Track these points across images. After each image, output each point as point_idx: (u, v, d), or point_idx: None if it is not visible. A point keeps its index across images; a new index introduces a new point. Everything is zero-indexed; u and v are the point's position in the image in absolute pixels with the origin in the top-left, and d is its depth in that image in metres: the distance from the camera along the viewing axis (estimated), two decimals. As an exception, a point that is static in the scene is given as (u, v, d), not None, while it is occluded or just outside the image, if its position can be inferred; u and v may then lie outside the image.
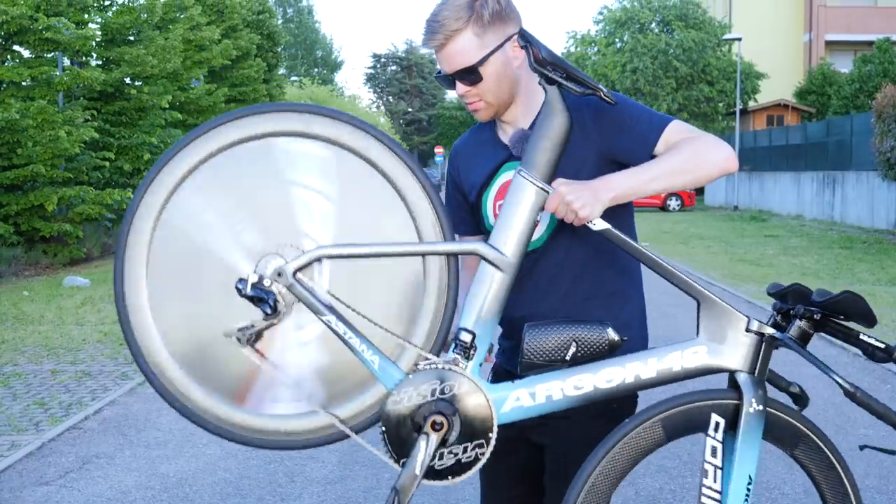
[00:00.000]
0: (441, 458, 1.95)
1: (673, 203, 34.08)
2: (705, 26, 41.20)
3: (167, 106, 18.49)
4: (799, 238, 20.37)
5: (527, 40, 1.98)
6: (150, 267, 2.01)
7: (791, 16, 45.07)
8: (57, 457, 5.60)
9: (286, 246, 1.99)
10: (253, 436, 2.05)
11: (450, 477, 1.97)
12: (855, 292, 1.91)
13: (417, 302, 2.02)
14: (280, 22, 64.10)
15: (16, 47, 15.65)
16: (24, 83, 15.31)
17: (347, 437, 2.02)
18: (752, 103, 40.53)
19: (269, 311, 1.93)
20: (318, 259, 1.97)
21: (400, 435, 1.95)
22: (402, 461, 1.95)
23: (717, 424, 1.97)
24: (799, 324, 1.97)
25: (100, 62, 18.25)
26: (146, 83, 18.48)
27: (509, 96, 2.26)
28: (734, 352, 1.98)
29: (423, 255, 2.00)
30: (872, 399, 1.90)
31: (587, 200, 1.99)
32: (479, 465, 1.98)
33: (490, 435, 1.95)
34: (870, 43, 36.87)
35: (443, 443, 1.94)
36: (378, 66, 75.31)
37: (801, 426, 2.01)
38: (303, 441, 2.05)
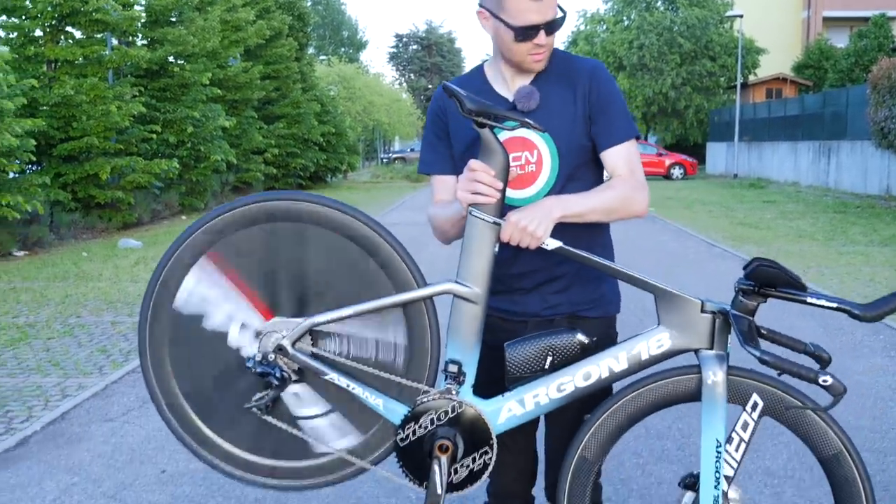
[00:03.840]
0: (455, 472, 2.10)
1: (676, 172, 33.94)
2: (708, 4, 40.74)
3: (207, 83, 18.55)
4: (795, 203, 20.30)
5: (451, 93, 2.04)
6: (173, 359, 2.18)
7: (790, -6, 44.53)
8: (119, 397, 5.76)
9: (283, 321, 2.12)
10: (289, 482, 2.22)
11: (469, 485, 2.13)
12: (767, 261, 1.94)
13: (407, 344, 2.14)
14: (309, 4, 63.87)
15: (69, 28, 15.74)
16: (77, 62, 15.43)
17: (367, 469, 2.18)
18: (752, 77, 40.14)
19: (276, 382, 2.08)
20: (312, 327, 2.10)
21: (415, 462, 2.11)
22: (424, 483, 2.10)
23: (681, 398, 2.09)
24: (741, 299, 2.02)
25: (145, 42, 18.32)
26: (188, 61, 18.55)
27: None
28: (693, 333, 2.06)
29: (402, 304, 2.11)
30: (788, 363, 1.93)
31: (539, 219, 2.08)
32: (490, 468, 2.12)
33: (492, 442, 2.10)
34: (866, 19, 36.37)
35: (453, 460, 2.08)
36: (400, 45, 74.80)
37: (786, 394, 2.06)
38: (331, 479, 2.21)
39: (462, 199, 2.07)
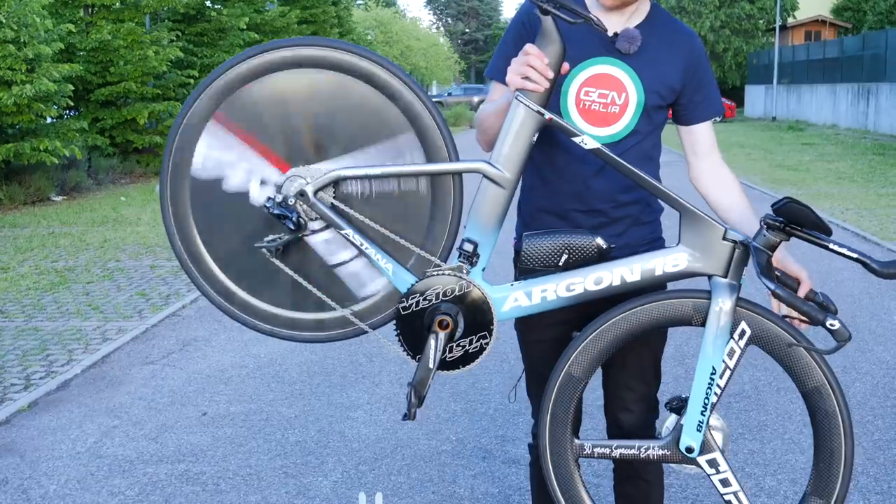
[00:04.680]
0: (451, 350, 2.06)
1: (714, 115, 33.48)
2: (747, -54, 39.99)
3: (245, 27, 18.40)
4: (834, 146, 19.90)
5: None
6: (193, 196, 2.12)
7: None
8: (160, 340, 5.75)
9: (308, 167, 2.06)
10: (282, 328, 2.18)
11: (460, 366, 2.08)
12: (797, 201, 1.89)
13: (428, 214, 2.09)
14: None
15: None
16: (114, 6, 15.30)
17: (366, 332, 2.13)
18: (790, 20, 39.46)
19: (292, 226, 2.02)
20: (337, 180, 2.04)
21: (412, 334, 2.06)
22: (417, 357, 2.06)
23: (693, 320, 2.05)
24: (765, 233, 1.96)
25: (183, -14, 18.19)
26: (225, 6, 18.40)
27: None
28: (710, 258, 2.02)
29: (431, 174, 2.06)
30: (799, 300, 1.91)
31: None
32: (485, 353, 2.08)
33: (492, 328, 2.05)
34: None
35: (451, 338, 2.03)
36: (437, -11, 74.17)
37: (774, 326, 2.02)
38: (329, 335, 2.17)
39: (511, 81, 2.02)
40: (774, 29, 35.48)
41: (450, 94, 53.91)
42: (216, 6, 18.53)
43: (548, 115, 2.00)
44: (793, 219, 1.93)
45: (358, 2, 53.89)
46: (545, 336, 2.39)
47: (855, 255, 1.91)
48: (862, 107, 24.84)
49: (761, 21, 40.09)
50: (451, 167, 2.05)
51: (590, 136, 2.03)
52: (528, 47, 1.99)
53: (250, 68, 2.03)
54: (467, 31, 72.33)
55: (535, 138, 2.04)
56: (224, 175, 2.08)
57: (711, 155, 2.38)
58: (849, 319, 5.91)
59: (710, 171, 2.40)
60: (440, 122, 2.06)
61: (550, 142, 2.28)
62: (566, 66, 2.05)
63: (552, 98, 2.24)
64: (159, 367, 5.19)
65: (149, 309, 6.48)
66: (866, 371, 4.89)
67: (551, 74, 1.99)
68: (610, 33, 2.26)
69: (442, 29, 72.00)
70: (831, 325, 1.89)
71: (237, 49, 18.02)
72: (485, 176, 2.04)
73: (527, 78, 1.98)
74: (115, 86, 14.49)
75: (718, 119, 2.45)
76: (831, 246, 1.91)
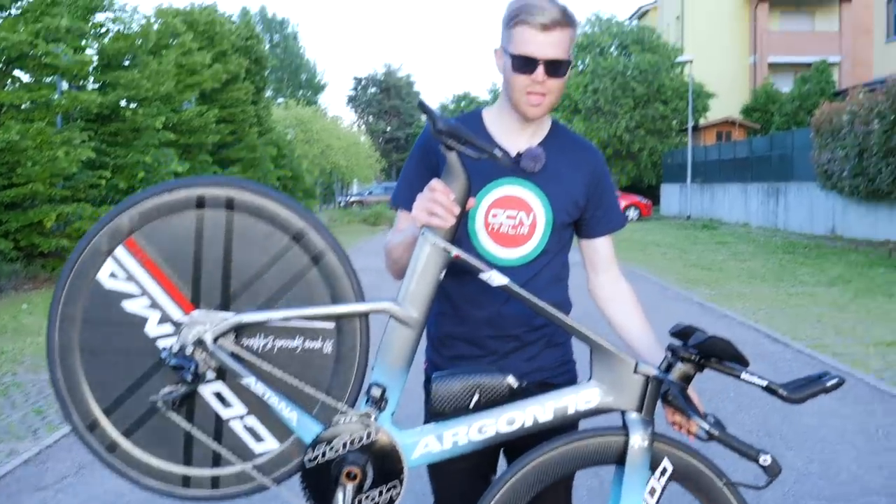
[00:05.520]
0: (360, 503, 1.98)
1: (632, 213, 34.14)
2: (660, 50, 41.47)
3: (161, 127, 18.28)
4: (746, 244, 20.45)
5: (425, 111, 1.96)
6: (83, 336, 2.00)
7: (737, 40, 45.39)
8: (54, 462, 5.47)
9: (209, 312, 1.99)
10: (173, 486, 2.05)
11: None
12: (721, 337, 1.92)
13: (333, 357, 2.04)
14: (267, 47, 63.85)
15: (16, 72, 15.40)
16: (23, 106, 15.05)
17: (268, 487, 2.04)
18: (702, 120, 40.75)
19: (189, 378, 1.92)
20: (238, 325, 1.97)
21: (319, 486, 1.98)
22: None
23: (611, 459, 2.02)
24: (680, 366, 1.98)
25: (97, 85, 18.00)
26: (141, 105, 18.26)
27: (553, 108, 2.30)
28: (623, 393, 2.00)
29: (336, 316, 2.01)
30: (733, 438, 1.94)
31: None
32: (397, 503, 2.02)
33: (402, 476, 1.99)
34: (808, 65, 37.21)
35: (359, 489, 1.96)
36: (359, 88, 75.24)
37: (696, 462, 2.02)
38: (226, 493, 2.06)
39: (417, 218, 2.01)
40: (687, 129, 36.58)
41: (370, 193, 54.32)
42: (132, 106, 18.41)
43: (455, 253, 1.98)
44: (711, 353, 1.95)
45: (279, 100, 54.38)
46: (457, 466, 2.31)
47: (765, 384, 1.95)
48: (772, 205, 25.65)
49: (674, 121, 41.39)
50: (356, 308, 2.00)
51: (498, 271, 2.03)
52: (434, 183, 1.99)
53: (166, 202, 1.97)
54: (388, 129, 73.34)
55: (442, 274, 2.01)
56: (123, 306, 1.98)
57: (610, 269, 2.44)
58: (760, 422, 5.95)
59: (609, 284, 2.43)
60: (345, 262, 2.02)
61: (461, 269, 2.25)
62: (472, 200, 2.05)
63: (461, 225, 2.25)
64: (51, 493, 4.92)
65: (44, 428, 6.19)
66: (779, 478, 4.88)
67: (457, 210, 1.98)
68: (513, 153, 2.28)
69: (363, 127, 72.86)
70: (764, 461, 1.91)
71: (152, 149, 17.87)
72: (392, 316, 2.00)
73: (433, 214, 1.97)
74: (22, 187, 14.07)
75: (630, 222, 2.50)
76: (743, 376, 1.95)
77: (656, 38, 42.41)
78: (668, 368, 2.01)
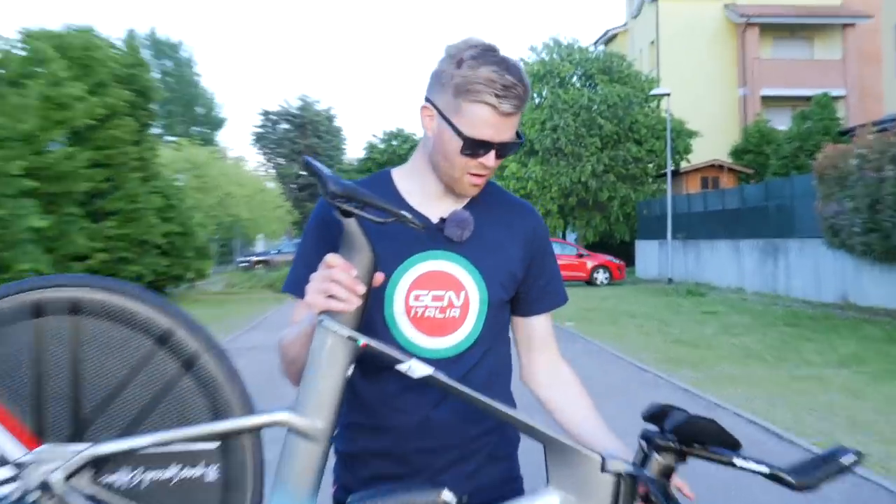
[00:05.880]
0: None
1: (601, 276, 34.46)
2: (631, 80, 42.34)
3: (20, 172, 18.07)
4: (740, 314, 20.73)
5: (312, 172, 1.97)
6: None
7: (724, 69, 46.48)
8: None
9: (55, 447, 1.90)
10: None
11: None
12: (703, 417, 1.91)
13: (219, 487, 1.98)
14: (156, 76, 63.98)
15: None
16: None
17: None
18: (684, 164, 41.39)
19: None
20: (95, 459, 1.89)
21: None
22: None
23: None
24: (658, 457, 1.95)
25: (-61, 123, 17.84)
26: (-5, 145, 18.09)
27: None
28: (590, 498, 1.97)
29: (219, 435, 1.95)
30: None
31: None
32: None
33: None
34: (808, 98, 38.10)
35: None
36: (268, 123, 75.44)
37: None
38: None
39: (312, 303, 1.96)
40: (666, 175, 37.08)
41: (279, 252, 54.23)
42: (-17, 146, 18.22)
43: (363, 341, 1.94)
44: (693, 437, 1.92)
45: (168, 138, 54.23)
46: None
47: (766, 471, 1.91)
48: (770, 267, 26.04)
49: (650, 165, 42.02)
50: (243, 423, 1.94)
51: (419, 360, 1.97)
52: (330, 258, 1.96)
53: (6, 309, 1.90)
54: (303, 174, 73.38)
55: (350, 371, 1.97)
56: None
57: (548, 349, 2.48)
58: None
59: (547, 368, 2.46)
60: (224, 363, 1.97)
61: (374, 366, 2.23)
62: (380, 276, 2.02)
63: (376, 307, 2.23)
64: None
65: None
66: None
67: (362, 289, 1.95)
68: (435, 219, 2.29)
69: (272, 171, 72.88)
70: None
71: (7, 200, 17.64)
72: (290, 429, 1.94)
73: (332, 297, 1.93)
74: None
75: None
76: (737, 463, 1.91)
77: (626, 67, 43.30)
78: (644, 461, 1.96)
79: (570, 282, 34.11)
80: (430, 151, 2.31)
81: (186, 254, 31.51)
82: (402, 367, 1.96)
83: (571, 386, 2.43)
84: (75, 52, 24.87)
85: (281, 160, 74.22)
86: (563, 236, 43.24)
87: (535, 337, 2.46)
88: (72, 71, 23.54)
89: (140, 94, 29.51)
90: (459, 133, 2.19)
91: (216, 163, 48.86)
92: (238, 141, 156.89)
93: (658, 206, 37.51)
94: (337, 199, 1.94)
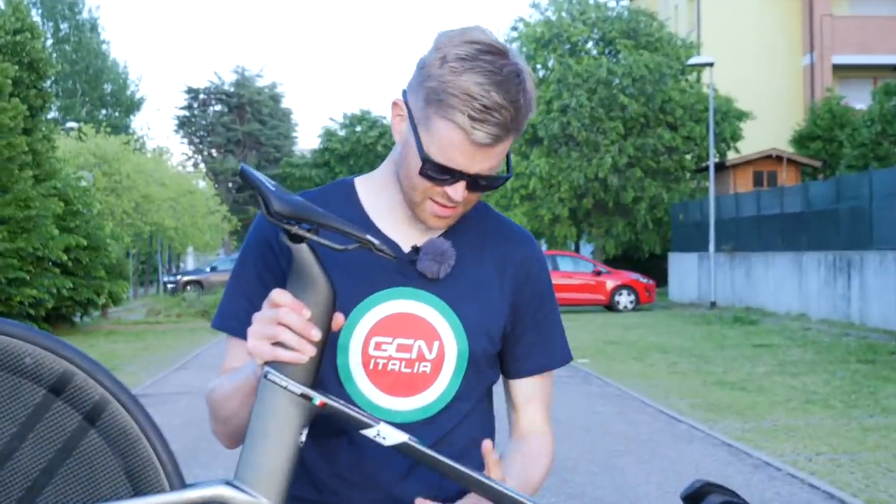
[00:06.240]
0: None
1: (624, 299, 34.42)
2: (663, 46, 42.02)
3: None
4: (801, 348, 20.76)
5: (250, 182, 1.96)
6: None
7: (784, 31, 46.20)
8: None
9: None
10: None
11: None
12: (711, 484, 1.94)
13: None
14: (50, 43, 63.68)
15: None
16: None
17: None
18: (732, 154, 41.25)
19: None
20: None
21: None
22: None
23: None
24: None
25: None
26: None
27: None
28: None
29: None
30: None
31: None
32: None
33: None
34: (894, 68, 37.91)
35: None
36: (195, 105, 75.08)
37: None
38: None
39: (256, 351, 1.94)
40: (708, 169, 36.54)
41: (213, 269, 53.96)
42: None
43: (319, 400, 1.96)
44: None
45: (69, 125, 54.03)
46: None
47: None
48: (840, 287, 26.02)
49: (689, 156, 41.86)
50: (168, 500, 1.96)
51: (388, 422, 2.00)
52: (277, 296, 1.94)
53: None
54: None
55: (303, 436, 1.99)
56: None
57: (528, 414, 2.44)
58: None
59: (519, 434, 2.45)
60: (138, 412, 1.98)
61: (329, 430, 2.26)
62: (339, 318, 2.01)
63: (327, 359, 2.16)
64: None
65: None
66: None
67: (317, 335, 1.94)
68: (406, 247, 2.29)
69: (202, 166, 72.59)
70: None
71: None
72: None
73: (279, 344, 1.93)
74: None
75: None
76: None
77: (657, 29, 43.06)
78: None
79: (585, 306, 34.16)
80: (396, 160, 2.30)
81: (96, 273, 31.35)
82: (369, 433, 1.97)
83: (527, 457, 2.38)
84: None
85: (213, 152, 73.95)
86: (577, 249, 43.28)
87: (518, 399, 2.43)
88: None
89: (29, 67, 29.47)
90: (421, 152, 2.15)
91: (131, 156, 48.64)
92: (159, 127, 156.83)
93: (698, 209, 37.43)
94: (284, 221, 1.94)
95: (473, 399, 2.33)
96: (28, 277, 26.36)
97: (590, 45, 43.19)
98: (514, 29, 44.47)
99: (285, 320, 1.90)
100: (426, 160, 2.15)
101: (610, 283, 34.57)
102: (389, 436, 1.97)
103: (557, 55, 42.27)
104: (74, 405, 1.96)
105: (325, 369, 2.14)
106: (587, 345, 21.96)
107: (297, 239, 1.95)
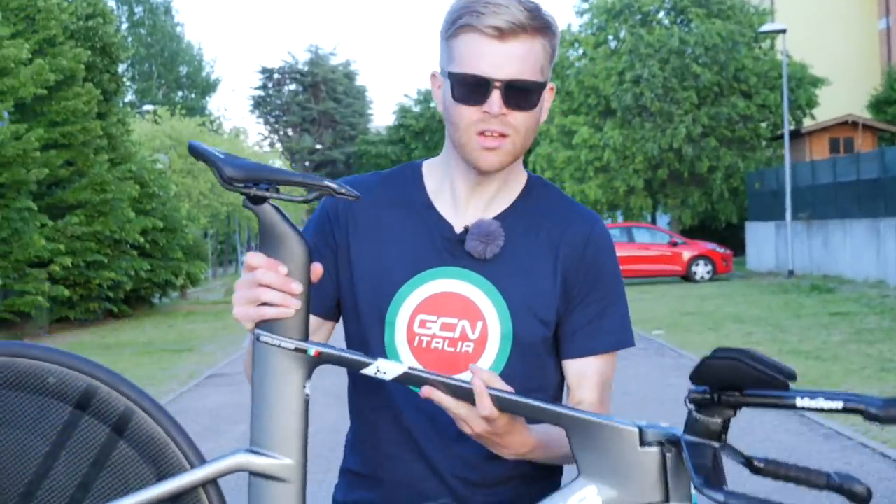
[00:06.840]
0: None
1: (700, 269, 34.20)
2: (735, 14, 41.76)
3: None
4: (878, 316, 20.60)
5: (200, 156, 1.98)
6: None
7: (858, -5, 45.81)
8: None
9: None
10: None
11: None
12: (743, 351, 1.82)
13: None
14: (125, 27, 64.05)
15: None
16: None
17: None
18: (807, 122, 40.94)
19: None
20: None
21: None
22: None
23: None
24: (696, 415, 1.90)
25: None
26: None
27: (522, 155, 2.29)
28: (633, 482, 1.95)
29: (170, 498, 2.00)
30: (782, 465, 1.85)
31: (511, 443, 2.07)
32: None
33: None
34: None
35: None
36: (270, 85, 75.48)
37: None
38: None
39: (242, 316, 1.99)
40: (783, 136, 36.36)
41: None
42: None
43: (314, 350, 1.97)
44: (723, 382, 1.86)
45: (144, 108, 54.44)
46: None
47: (840, 405, 1.80)
48: (921, 253, 25.75)
49: (763, 124, 41.58)
50: (193, 477, 1.99)
51: (386, 359, 1.99)
52: (251, 258, 1.97)
53: None
54: (318, 147, 73.46)
55: (307, 388, 2.01)
56: None
57: (579, 396, 2.33)
58: None
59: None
60: (162, 418, 2.02)
61: (377, 404, 2.31)
62: (318, 268, 2.02)
63: (374, 332, 2.28)
64: None
65: None
66: None
67: (298, 288, 1.96)
68: (459, 228, 2.29)
69: (278, 145, 72.95)
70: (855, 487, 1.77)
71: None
72: (251, 473, 1.98)
73: (264, 304, 1.95)
74: None
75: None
76: (799, 402, 1.83)
77: (731, -3, 42.78)
78: (693, 428, 1.90)
79: (662, 277, 34.04)
80: (447, 131, 2.30)
81: (173, 254, 31.59)
82: (368, 371, 1.97)
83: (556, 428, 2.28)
84: (13, 1, 25.08)
85: (289, 131, 74.31)
86: (653, 220, 43.05)
87: (570, 381, 2.35)
88: (11, 26, 23.70)
89: (102, 52, 29.60)
90: (450, 75, 2.19)
91: (206, 137, 48.93)
92: (235, 108, 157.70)
93: (774, 177, 37.22)
94: (239, 185, 1.95)
95: (524, 382, 2.19)
96: (106, 260, 26.62)
97: (661, 14, 42.97)
98: (586, 0, 44.30)
99: (264, 280, 1.93)
100: (455, 77, 2.18)
101: (686, 254, 34.39)
102: (389, 370, 1.98)
103: (629, 26, 42.10)
104: (101, 418, 2.00)
105: (373, 344, 2.24)
106: (662, 316, 21.91)
107: (258, 200, 1.96)
